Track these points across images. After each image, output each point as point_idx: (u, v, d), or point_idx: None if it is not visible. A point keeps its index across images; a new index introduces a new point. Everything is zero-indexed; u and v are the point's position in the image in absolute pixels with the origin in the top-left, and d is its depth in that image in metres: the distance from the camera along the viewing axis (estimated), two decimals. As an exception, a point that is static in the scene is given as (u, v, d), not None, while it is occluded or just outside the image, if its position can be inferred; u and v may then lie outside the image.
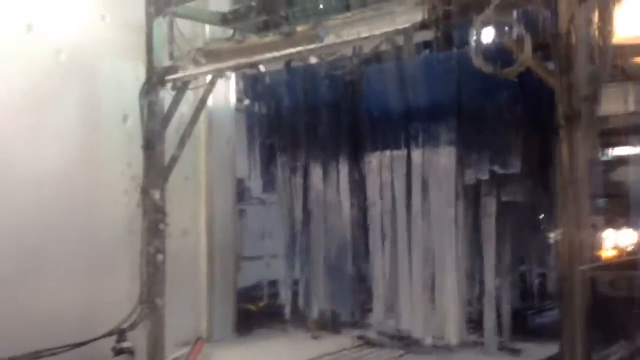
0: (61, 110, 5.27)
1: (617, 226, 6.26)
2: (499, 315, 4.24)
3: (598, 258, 5.32)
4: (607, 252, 6.19)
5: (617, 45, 3.42)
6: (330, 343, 6.04)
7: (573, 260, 3.39)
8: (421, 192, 4.58)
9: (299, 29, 4.33)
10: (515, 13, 3.68)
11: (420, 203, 4.57)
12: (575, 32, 3.41)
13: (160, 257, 5.23)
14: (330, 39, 4.11)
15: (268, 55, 4.50)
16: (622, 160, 5.34)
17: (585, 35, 3.42)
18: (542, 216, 4.26)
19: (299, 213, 5.53)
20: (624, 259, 6.20)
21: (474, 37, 3.60)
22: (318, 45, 4.15)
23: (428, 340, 4.54)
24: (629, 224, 6.44)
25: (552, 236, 3.99)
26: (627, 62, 3.76)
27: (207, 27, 6.15)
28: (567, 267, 3.39)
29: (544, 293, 4.50)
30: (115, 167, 5.51)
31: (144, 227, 5.21)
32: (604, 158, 5.33)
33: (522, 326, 5.52)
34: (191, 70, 5.03)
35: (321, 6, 4.67)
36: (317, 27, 4.12)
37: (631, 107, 4.41)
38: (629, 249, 6.56)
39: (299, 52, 4.45)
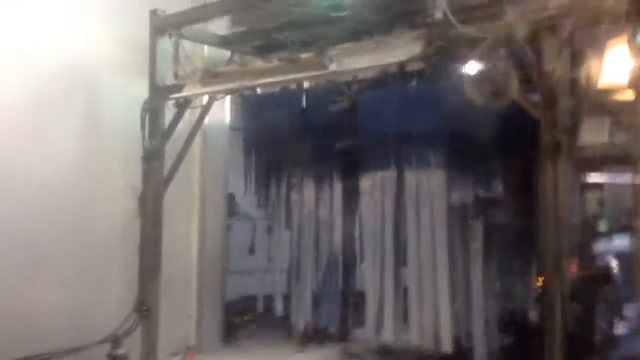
0: (63, 122, 5.46)
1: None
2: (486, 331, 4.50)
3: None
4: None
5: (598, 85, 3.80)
6: (315, 356, 6.23)
7: (555, 285, 3.66)
8: (411, 212, 4.88)
9: (303, 56, 4.62)
10: (503, 50, 4.05)
11: (410, 221, 4.87)
12: (558, 71, 3.78)
13: (155, 266, 5.40)
14: (333, 67, 4.40)
15: (273, 79, 4.77)
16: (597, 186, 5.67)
17: (567, 73, 3.80)
18: (525, 238, 4.56)
19: (291, 229, 5.77)
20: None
21: (467, 71, 3.95)
22: (322, 72, 4.43)
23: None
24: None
25: (535, 258, 4.29)
26: (606, 99, 4.15)
27: (205, 48, 6.39)
28: (549, 293, 3.67)
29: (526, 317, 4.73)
30: (114, 179, 5.68)
31: (141, 237, 5.39)
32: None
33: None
34: (196, 90, 5.26)
35: (321, 36, 4.96)
36: (321, 55, 4.41)
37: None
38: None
39: (303, 78, 4.72)
